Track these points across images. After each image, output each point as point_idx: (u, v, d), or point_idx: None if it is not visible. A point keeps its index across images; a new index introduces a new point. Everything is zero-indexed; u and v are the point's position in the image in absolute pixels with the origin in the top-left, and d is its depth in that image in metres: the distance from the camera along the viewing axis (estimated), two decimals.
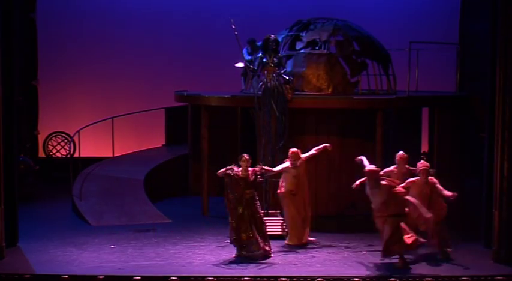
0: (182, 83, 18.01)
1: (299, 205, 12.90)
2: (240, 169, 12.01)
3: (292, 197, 12.83)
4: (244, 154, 12.15)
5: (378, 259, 11.91)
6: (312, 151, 13.04)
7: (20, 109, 16.50)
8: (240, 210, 11.97)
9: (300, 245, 12.70)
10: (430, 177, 11.92)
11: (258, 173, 12.14)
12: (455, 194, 11.81)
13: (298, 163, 12.82)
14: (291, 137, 14.24)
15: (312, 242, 12.90)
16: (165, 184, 16.91)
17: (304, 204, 12.96)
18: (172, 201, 16.61)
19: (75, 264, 11.52)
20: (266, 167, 12.63)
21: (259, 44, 15.56)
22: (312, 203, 14.80)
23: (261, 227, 12.04)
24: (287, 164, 12.84)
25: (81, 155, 17.71)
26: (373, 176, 11.54)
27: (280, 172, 12.94)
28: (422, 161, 12.19)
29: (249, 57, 15.71)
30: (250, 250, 11.92)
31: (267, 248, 12.02)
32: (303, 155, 12.88)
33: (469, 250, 12.45)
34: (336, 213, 14.72)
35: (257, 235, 11.93)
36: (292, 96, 14.12)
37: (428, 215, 11.49)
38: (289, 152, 12.86)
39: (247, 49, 15.92)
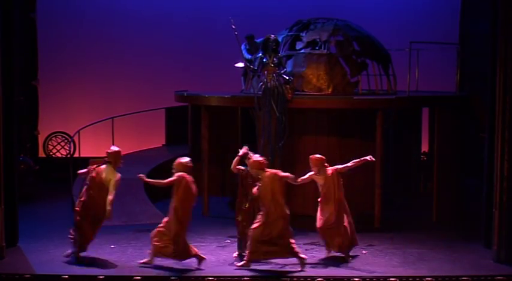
0: (182, 83, 18.01)
1: (329, 215, 12.02)
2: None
3: (322, 206, 12.08)
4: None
5: (378, 259, 11.93)
6: (349, 164, 12.02)
7: (20, 109, 16.50)
8: (247, 206, 11.95)
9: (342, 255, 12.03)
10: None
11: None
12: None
13: (329, 172, 11.91)
14: (291, 137, 14.25)
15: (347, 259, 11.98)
16: None
17: (335, 214, 11.92)
18: None
19: (75, 264, 11.51)
20: (301, 178, 11.87)
21: (258, 40, 15.57)
22: (312, 203, 14.81)
23: None
24: (312, 172, 12.05)
25: (81, 155, 17.73)
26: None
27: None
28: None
29: (249, 56, 15.70)
30: None
31: None
32: (338, 166, 12.01)
33: (469, 250, 12.46)
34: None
35: None
36: (292, 96, 14.12)
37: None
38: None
39: (245, 45, 15.90)
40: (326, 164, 11.93)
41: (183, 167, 11.53)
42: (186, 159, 11.66)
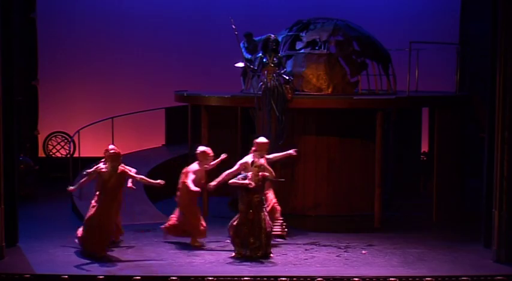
0: (182, 83, 18.01)
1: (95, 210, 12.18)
2: (250, 173, 12.04)
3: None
4: (256, 160, 12.21)
5: (378, 259, 11.93)
6: (137, 176, 12.42)
7: (20, 109, 16.48)
8: (251, 216, 11.95)
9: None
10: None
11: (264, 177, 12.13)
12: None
13: (120, 169, 12.05)
14: (291, 137, 14.25)
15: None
16: (165, 184, 16.85)
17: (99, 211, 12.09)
18: (172, 201, 16.57)
19: (75, 264, 11.52)
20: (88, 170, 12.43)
21: (257, 39, 15.57)
22: (312, 203, 14.81)
23: (265, 229, 12.00)
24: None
25: (81, 155, 17.71)
26: None
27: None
28: None
29: (249, 55, 15.69)
30: (251, 252, 11.91)
31: (269, 249, 12.00)
32: (128, 168, 12.25)
33: (469, 250, 12.46)
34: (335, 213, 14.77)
35: (261, 238, 11.91)
36: (292, 96, 14.11)
37: None
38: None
39: (244, 43, 15.88)
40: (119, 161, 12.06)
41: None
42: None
